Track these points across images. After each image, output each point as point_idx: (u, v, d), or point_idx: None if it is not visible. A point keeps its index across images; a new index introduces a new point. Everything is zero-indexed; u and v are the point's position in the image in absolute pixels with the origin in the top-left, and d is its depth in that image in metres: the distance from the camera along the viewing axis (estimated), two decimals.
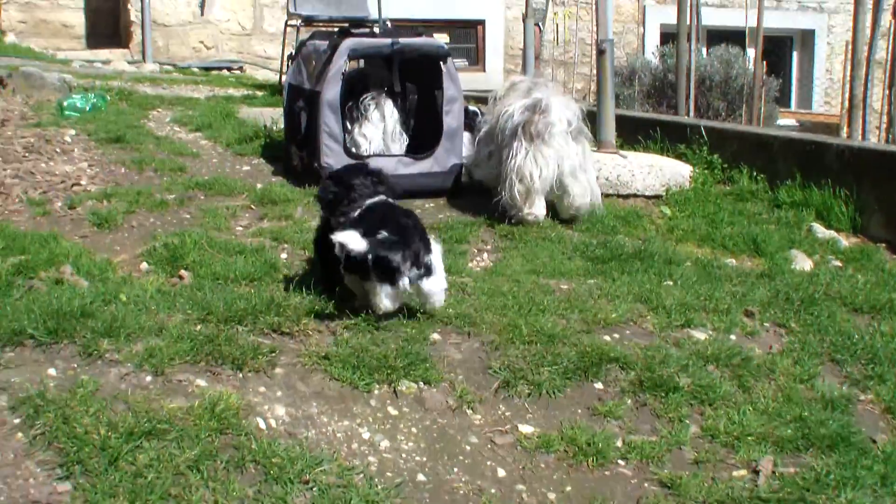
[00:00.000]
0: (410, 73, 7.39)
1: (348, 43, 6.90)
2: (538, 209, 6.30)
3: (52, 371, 3.52)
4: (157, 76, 13.59)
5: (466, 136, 7.36)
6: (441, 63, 7.08)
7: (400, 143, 7.33)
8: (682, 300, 4.83)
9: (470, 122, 7.50)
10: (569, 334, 4.27)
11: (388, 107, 7.33)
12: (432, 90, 7.26)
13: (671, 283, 5.21)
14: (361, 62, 7.90)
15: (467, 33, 18.06)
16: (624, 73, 15.75)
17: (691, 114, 12.11)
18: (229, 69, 15.84)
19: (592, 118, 7.87)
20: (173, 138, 8.79)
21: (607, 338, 4.36)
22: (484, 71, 17.89)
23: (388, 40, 7.01)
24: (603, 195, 7.06)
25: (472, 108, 7.82)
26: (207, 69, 15.46)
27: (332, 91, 6.77)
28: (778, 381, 4.18)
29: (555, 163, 6.22)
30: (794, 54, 20.34)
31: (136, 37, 16.22)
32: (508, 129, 6.27)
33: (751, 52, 14.72)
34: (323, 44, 7.14)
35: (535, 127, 6.16)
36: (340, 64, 6.80)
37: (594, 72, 17.10)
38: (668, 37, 16.88)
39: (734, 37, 16.36)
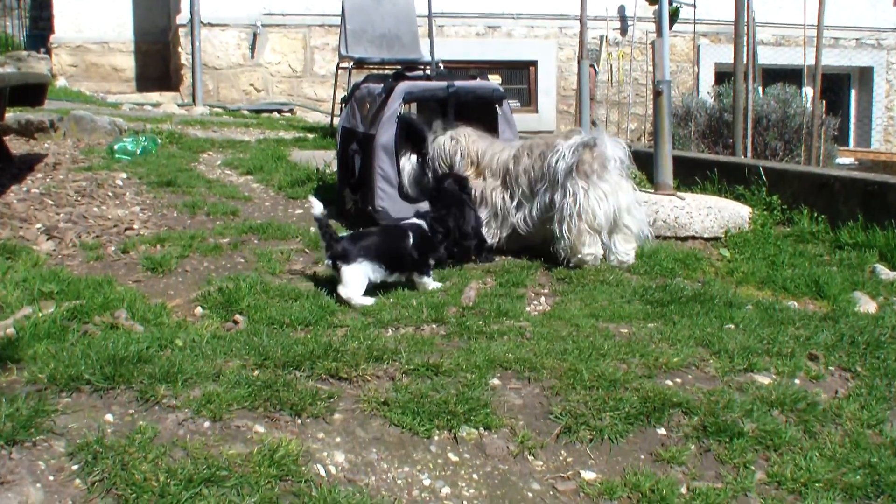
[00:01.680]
0: (464, 116, 7.43)
1: (403, 86, 6.95)
2: (597, 249, 6.31)
3: (109, 417, 3.53)
4: (207, 119, 13.76)
5: None
6: (497, 106, 7.13)
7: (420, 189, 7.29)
8: (744, 344, 4.79)
9: None
10: (630, 379, 4.25)
11: (406, 155, 7.29)
12: (487, 133, 7.30)
13: (732, 326, 5.17)
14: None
15: (519, 74, 18.13)
16: (679, 113, 15.75)
17: (748, 154, 12.10)
18: (279, 112, 15.98)
19: (648, 160, 7.86)
20: (225, 182, 8.88)
21: (669, 382, 4.33)
22: (536, 112, 17.96)
23: (444, 83, 7.07)
24: (661, 237, 7.07)
25: None
26: (257, 112, 15.62)
27: (386, 134, 6.82)
28: (845, 426, 4.12)
29: (613, 198, 6.20)
30: (853, 92, 20.27)
31: (187, 80, 16.41)
32: (561, 169, 6.24)
33: (808, 90, 14.69)
34: (377, 87, 7.18)
35: (591, 165, 6.16)
36: (395, 107, 6.84)
37: (648, 112, 17.16)
38: (724, 76, 16.89)
39: (791, 75, 16.37)
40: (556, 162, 6.27)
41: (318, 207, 5.52)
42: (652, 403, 4.06)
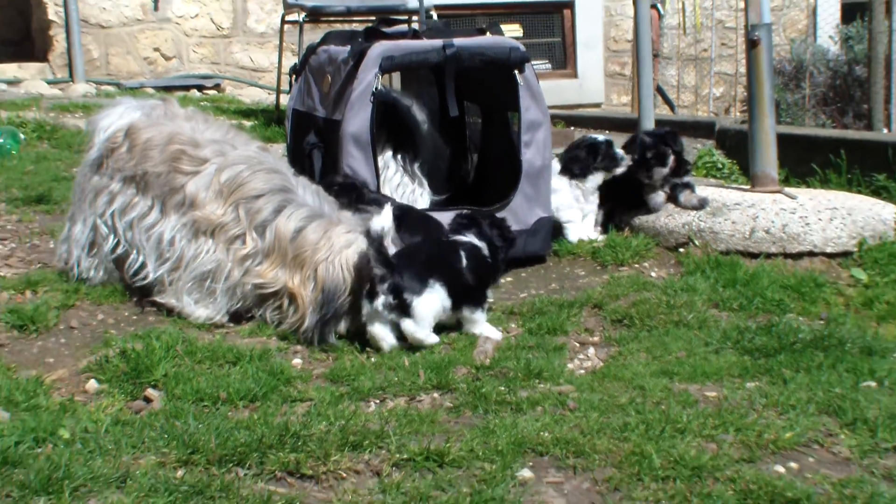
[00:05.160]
0: (469, 88, 7.50)
1: (380, 48, 6.98)
2: None
3: None
4: (93, 102, 13.76)
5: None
6: (516, 73, 7.18)
7: (408, 194, 7.40)
8: (891, 410, 4.83)
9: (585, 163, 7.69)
10: (722, 465, 4.28)
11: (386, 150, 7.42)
12: (503, 111, 7.38)
13: (874, 384, 5.20)
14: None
15: (548, 21, 18.16)
16: (787, 69, 15.79)
17: (893, 126, 12.06)
18: (200, 88, 16.02)
19: (741, 141, 7.92)
20: None
21: (780, 468, 4.36)
22: (575, 76, 17.97)
23: (439, 42, 7.08)
24: (763, 255, 7.12)
25: (598, 138, 7.95)
26: (168, 89, 15.60)
27: (357, 120, 6.85)
28: None
29: None
30: None
31: (59, 44, 16.35)
32: None
33: None
34: (342, 50, 7.24)
35: None
36: (370, 79, 6.87)
37: (741, 70, 17.14)
38: (854, 10, 16.88)
39: None
40: None
41: (383, 219, 5.73)
42: (755, 500, 4.09)
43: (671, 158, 7.64)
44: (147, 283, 6.25)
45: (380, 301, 5.58)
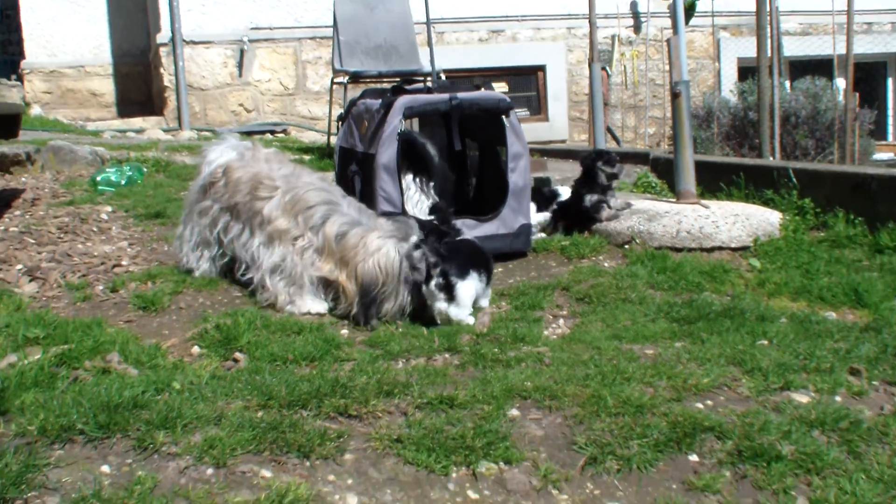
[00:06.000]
0: (469, 129, 7.50)
1: (403, 101, 6.99)
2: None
3: (105, 468, 3.56)
4: (195, 144, 13.81)
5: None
6: (504, 117, 7.16)
7: (425, 209, 7.39)
8: (779, 360, 4.81)
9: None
10: (658, 403, 4.28)
11: (407, 175, 7.47)
12: (494, 146, 7.37)
13: (766, 342, 5.20)
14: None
15: (527, 80, 18.17)
16: (700, 114, 15.79)
17: (777, 155, 12.12)
18: (272, 132, 16.04)
19: (668, 167, 7.88)
20: None
21: (700, 405, 4.36)
22: (546, 120, 17.99)
23: (446, 95, 7.09)
24: (686, 249, 7.10)
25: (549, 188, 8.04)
26: (249, 133, 15.64)
27: (387, 153, 6.85)
28: (892, 445, 4.09)
29: None
30: (889, 81, 20.18)
31: (171, 102, 16.46)
32: None
33: (840, 82, 14.67)
34: (375, 102, 7.22)
35: None
36: (395, 123, 6.87)
37: (667, 115, 17.19)
38: (747, 71, 16.92)
39: (820, 67, 16.34)
40: None
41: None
42: (682, 428, 4.08)
43: (616, 160, 7.72)
44: (247, 279, 6.26)
45: (433, 283, 5.56)
